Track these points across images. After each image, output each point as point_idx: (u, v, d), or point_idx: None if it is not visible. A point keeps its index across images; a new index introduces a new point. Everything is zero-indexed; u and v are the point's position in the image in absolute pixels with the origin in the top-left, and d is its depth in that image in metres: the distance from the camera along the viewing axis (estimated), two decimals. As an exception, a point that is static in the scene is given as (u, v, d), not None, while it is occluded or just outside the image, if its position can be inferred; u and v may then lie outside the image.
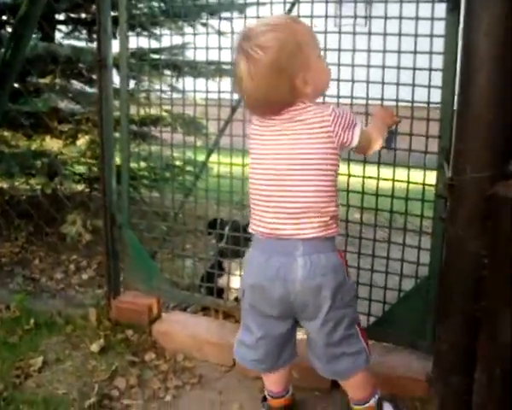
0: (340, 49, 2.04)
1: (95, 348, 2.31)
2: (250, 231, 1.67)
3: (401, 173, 2.04)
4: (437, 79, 1.93)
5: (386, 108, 1.91)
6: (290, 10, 2.18)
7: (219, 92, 2.31)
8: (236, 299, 2.51)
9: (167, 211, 2.64)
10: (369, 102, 2.02)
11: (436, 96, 1.93)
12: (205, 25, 3.70)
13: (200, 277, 2.63)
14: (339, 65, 2.01)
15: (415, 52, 1.97)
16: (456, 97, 1.61)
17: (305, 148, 1.53)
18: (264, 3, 2.22)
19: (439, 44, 1.91)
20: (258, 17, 2.14)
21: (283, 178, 1.56)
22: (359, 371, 1.69)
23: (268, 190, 1.59)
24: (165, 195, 2.85)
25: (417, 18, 1.95)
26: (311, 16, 2.01)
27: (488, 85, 1.48)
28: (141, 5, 3.54)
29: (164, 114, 3.63)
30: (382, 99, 2.01)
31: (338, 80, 2.01)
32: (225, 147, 2.34)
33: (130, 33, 2.44)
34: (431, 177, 2.00)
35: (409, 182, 2.05)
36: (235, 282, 2.47)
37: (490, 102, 1.48)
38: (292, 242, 1.55)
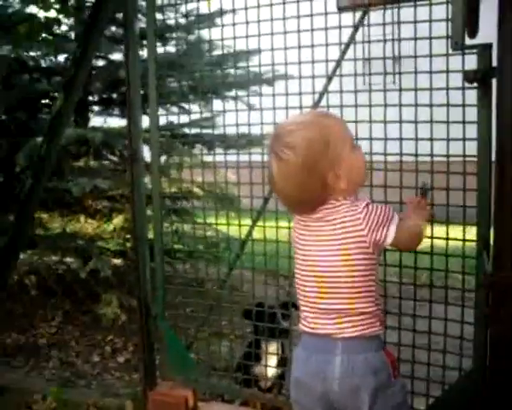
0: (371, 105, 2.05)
1: (132, 444, 2.28)
2: (299, 327, 1.64)
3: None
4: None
5: (419, 200, 1.79)
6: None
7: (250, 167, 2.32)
8: (270, 389, 2.47)
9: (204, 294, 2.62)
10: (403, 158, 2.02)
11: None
12: (235, 98, 3.75)
13: (236, 365, 2.58)
14: (370, 121, 2.01)
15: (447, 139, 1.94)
16: (492, 197, 1.56)
17: (337, 249, 1.51)
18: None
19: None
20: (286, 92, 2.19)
21: (318, 279, 1.54)
22: None
23: (306, 289, 1.58)
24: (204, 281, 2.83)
25: (448, 105, 1.93)
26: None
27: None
28: (173, 84, 3.62)
29: (196, 189, 3.66)
30: (416, 154, 2.00)
31: (370, 139, 2.04)
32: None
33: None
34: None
35: (447, 273, 2.00)
36: (271, 371, 2.44)
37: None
38: (332, 340, 1.52)
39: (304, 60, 2.17)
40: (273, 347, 2.46)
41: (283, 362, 2.58)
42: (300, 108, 2.14)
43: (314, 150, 1.47)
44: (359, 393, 1.49)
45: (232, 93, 3.79)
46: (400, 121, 2.01)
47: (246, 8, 2.24)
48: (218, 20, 3.32)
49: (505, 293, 1.49)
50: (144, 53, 2.59)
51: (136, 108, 2.42)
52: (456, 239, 1.97)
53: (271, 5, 2.18)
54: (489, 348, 1.68)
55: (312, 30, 2.09)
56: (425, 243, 1.93)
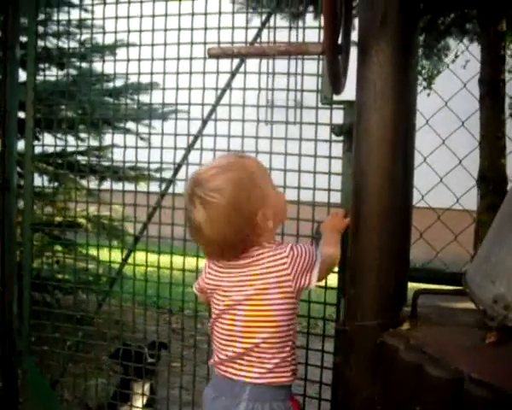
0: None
1: None
2: (210, 364, 1.60)
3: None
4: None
5: (335, 213, 1.81)
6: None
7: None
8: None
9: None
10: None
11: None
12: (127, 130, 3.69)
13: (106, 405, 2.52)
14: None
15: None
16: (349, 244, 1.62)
17: (259, 295, 1.47)
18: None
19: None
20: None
21: (236, 324, 1.49)
22: None
23: (221, 331, 1.53)
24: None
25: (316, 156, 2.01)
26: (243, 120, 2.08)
27: (376, 233, 1.50)
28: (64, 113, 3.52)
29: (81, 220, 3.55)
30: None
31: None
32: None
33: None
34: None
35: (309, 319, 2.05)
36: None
37: (378, 249, 1.49)
38: (240, 385, 1.48)
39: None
40: (142, 388, 2.42)
41: (151, 403, 2.55)
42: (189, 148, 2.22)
43: (241, 191, 1.43)
44: None
45: (123, 125, 3.74)
46: (270, 169, 2.07)
47: (140, 45, 2.24)
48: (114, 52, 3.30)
49: (354, 341, 1.55)
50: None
51: (12, 136, 2.35)
52: (319, 286, 2.03)
53: (165, 45, 2.20)
54: (340, 393, 1.72)
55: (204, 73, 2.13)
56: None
